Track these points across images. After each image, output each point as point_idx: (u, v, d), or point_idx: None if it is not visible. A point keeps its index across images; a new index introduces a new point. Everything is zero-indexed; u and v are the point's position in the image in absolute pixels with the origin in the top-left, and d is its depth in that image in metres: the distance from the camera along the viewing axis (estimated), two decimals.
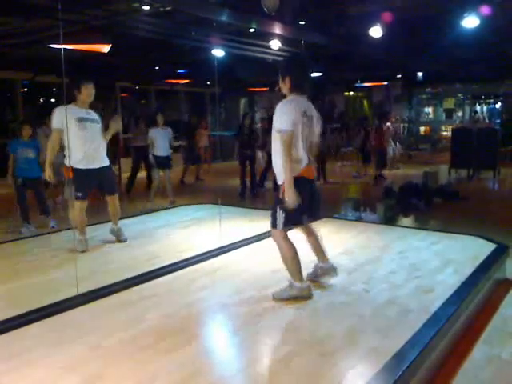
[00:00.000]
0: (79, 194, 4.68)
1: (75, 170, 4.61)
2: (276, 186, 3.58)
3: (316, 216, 3.82)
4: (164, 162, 7.70)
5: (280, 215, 3.40)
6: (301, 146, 3.39)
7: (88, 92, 4.69)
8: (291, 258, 3.48)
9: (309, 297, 3.50)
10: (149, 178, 9.34)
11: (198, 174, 10.97)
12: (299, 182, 3.35)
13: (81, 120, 4.63)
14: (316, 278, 3.80)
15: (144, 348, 2.80)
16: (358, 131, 12.01)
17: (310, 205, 3.54)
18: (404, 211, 6.76)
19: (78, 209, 4.73)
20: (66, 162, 4.70)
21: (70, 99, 4.68)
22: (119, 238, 5.12)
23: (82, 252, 4.72)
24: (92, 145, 4.71)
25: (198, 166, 11.01)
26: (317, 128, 3.53)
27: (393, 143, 12.17)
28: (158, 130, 7.67)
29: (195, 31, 8.07)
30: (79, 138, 4.63)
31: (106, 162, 4.90)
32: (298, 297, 3.49)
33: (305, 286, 3.50)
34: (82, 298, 3.55)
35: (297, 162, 3.36)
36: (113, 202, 5.05)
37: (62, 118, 4.47)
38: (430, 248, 4.85)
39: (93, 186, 4.92)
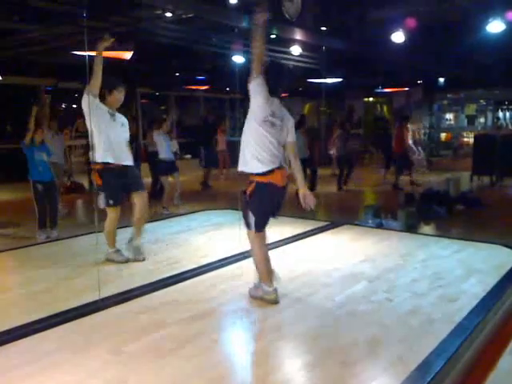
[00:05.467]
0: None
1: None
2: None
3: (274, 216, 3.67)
4: (170, 167, 7.58)
5: (251, 217, 3.49)
6: (270, 142, 3.42)
7: (118, 97, 4.58)
8: (261, 260, 3.55)
9: (274, 302, 3.52)
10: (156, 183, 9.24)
11: (206, 181, 10.75)
12: (266, 189, 3.44)
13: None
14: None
15: (165, 353, 2.81)
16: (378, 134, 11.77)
17: (274, 209, 3.59)
18: (426, 218, 6.65)
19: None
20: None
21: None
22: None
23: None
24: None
25: (208, 171, 10.79)
26: (290, 132, 3.57)
27: (414, 147, 11.86)
28: (160, 133, 7.55)
29: (216, 37, 8.12)
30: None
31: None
32: (263, 298, 3.54)
33: (271, 291, 3.54)
34: (105, 303, 3.58)
35: (263, 158, 3.41)
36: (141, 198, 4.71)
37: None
38: (453, 256, 4.77)
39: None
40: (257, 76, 3.40)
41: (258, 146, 3.42)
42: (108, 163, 4.43)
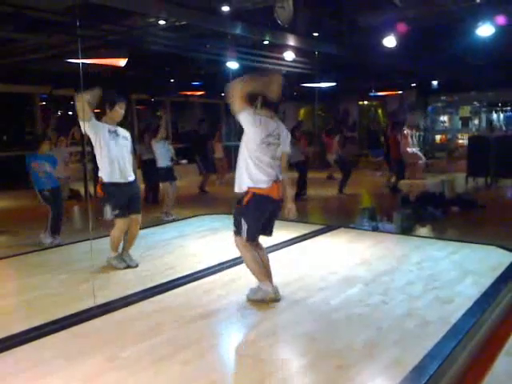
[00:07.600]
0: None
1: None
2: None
3: (269, 233, 3.81)
4: (167, 174, 7.55)
5: (243, 225, 3.56)
6: (266, 163, 3.51)
7: (120, 112, 4.52)
8: (251, 261, 3.64)
9: (275, 300, 3.59)
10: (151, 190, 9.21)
11: (203, 186, 10.73)
12: (262, 200, 3.53)
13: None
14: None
15: (160, 359, 2.81)
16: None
17: (268, 223, 3.71)
18: (421, 220, 6.67)
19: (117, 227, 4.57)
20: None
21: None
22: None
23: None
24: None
25: (206, 177, 10.79)
26: (285, 144, 3.67)
27: (414, 150, 11.80)
28: (159, 142, 7.53)
29: (210, 44, 8.15)
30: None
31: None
32: (263, 300, 3.60)
33: (270, 290, 3.60)
34: (100, 310, 3.58)
35: (259, 179, 3.51)
36: (136, 222, 4.73)
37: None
38: (448, 258, 4.79)
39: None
40: (241, 111, 3.46)
41: (256, 168, 3.50)
42: (113, 183, 4.48)
